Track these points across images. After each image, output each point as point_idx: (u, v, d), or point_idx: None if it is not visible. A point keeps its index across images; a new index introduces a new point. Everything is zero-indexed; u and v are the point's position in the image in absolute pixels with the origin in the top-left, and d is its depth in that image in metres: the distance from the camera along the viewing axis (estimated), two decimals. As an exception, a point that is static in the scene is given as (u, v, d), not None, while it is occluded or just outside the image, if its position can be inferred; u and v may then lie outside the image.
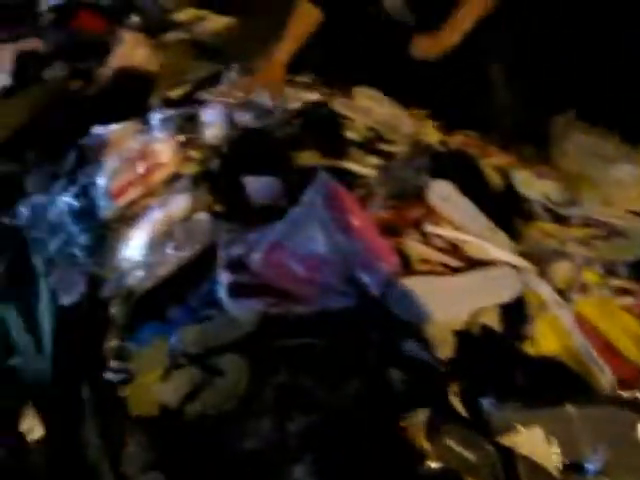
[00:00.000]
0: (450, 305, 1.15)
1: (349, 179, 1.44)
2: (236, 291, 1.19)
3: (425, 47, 1.67)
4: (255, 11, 3.19)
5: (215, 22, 2.96)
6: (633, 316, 1.16)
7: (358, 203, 1.26)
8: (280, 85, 1.82)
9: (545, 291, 1.13)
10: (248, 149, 1.57)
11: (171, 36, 2.66)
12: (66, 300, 1.48)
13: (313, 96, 1.73)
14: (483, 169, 1.49)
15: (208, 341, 1.18)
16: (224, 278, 1.21)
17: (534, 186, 1.41)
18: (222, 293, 1.19)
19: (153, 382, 1.16)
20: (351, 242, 1.15)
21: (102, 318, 1.38)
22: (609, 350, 1.10)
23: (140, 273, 1.39)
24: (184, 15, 3.07)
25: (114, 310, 1.39)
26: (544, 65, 1.75)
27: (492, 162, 1.56)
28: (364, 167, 1.47)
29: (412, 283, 1.15)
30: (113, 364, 1.29)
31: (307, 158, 1.51)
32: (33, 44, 2.56)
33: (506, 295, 1.15)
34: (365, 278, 1.14)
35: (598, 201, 1.44)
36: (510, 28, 1.79)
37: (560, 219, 1.37)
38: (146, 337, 1.24)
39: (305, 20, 1.85)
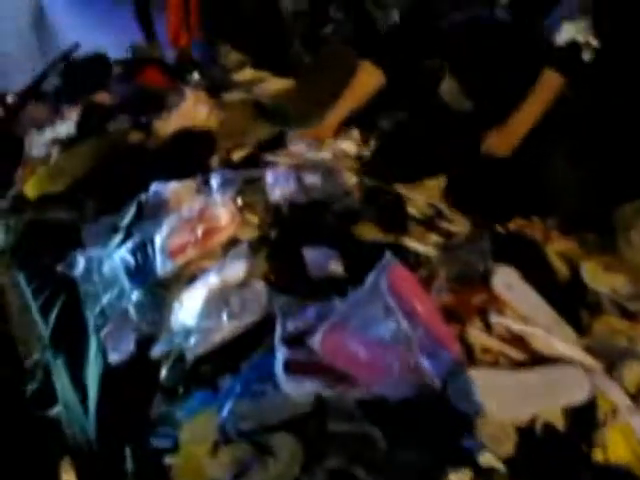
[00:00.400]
0: (514, 403, 1.11)
1: (410, 257, 1.42)
2: (293, 369, 1.16)
3: (496, 145, 1.66)
4: (314, 74, 3.26)
5: (274, 83, 3.03)
6: None
7: (422, 286, 1.23)
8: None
9: (617, 395, 1.08)
10: (309, 218, 1.56)
11: (231, 96, 2.72)
12: (114, 358, 1.47)
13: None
14: (548, 256, 1.45)
15: (261, 418, 1.15)
16: (281, 354, 1.19)
17: (602, 278, 1.37)
18: (278, 369, 1.17)
19: (201, 455, 1.12)
20: (415, 328, 1.13)
21: (151, 380, 1.37)
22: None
23: (193, 338, 1.37)
24: (243, 75, 3.16)
25: (164, 373, 1.37)
26: (610, 151, 1.72)
27: (555, 248, 1.53)
28: (425, 245, 1.45)
29: (475, 375, 1.11)
30: (159, 430, 1.26)
31: (367, 232, 1.50)
32: (100, 97, 2.65)
33: (574, 398, 1.10)
34: (427, 365, 1.11)
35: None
36: (575, 114, 1.77)
37: (629, 315, 1.32)
38: (195, 406, 1.22)
39: (366, 82, 1.84)
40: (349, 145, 1.81)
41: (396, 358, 1.11)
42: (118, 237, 1.76)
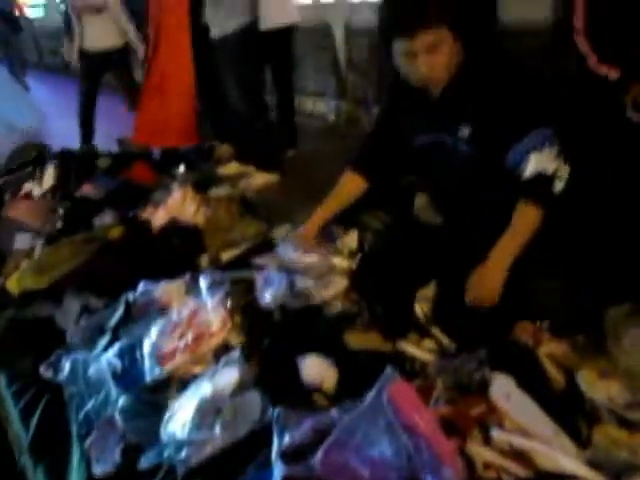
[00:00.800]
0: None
1: (407, 364, 1.41)
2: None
3: (479, 296, 1.58)
4: (299, 169, 3.35)
5: (259, 178, 3.08)
6: None
7: (421, 398, 1.21)
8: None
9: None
10: (302, 324, 1.55)
11: (217, 191, 2.75)
12: (99, 469, 1.41)
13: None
14: (543, 363, 1.45)
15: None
16: (278, 470, 1.15)
17: (598, 386, 1.37)
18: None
19: None
20: (417, 444, 1.10)
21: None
22: None
23: (185, 450, 1.33)
24: (228, 170, 3.21)
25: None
26: (598, 255, 1.75)
27: (546, 351, 1.53)
28: (422, 351, 1.45)
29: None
30: None
31: (364, 339, 1.49)
32: (86, 189, 2.66)
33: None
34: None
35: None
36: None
37: (627, 424, 1.31)
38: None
39: (348, 187, 1.87)
40: (340, 261, 1.83)
41: (397, 476, 1.08)
42: (105, 339, 1.72)
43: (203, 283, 1.77)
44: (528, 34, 2.67)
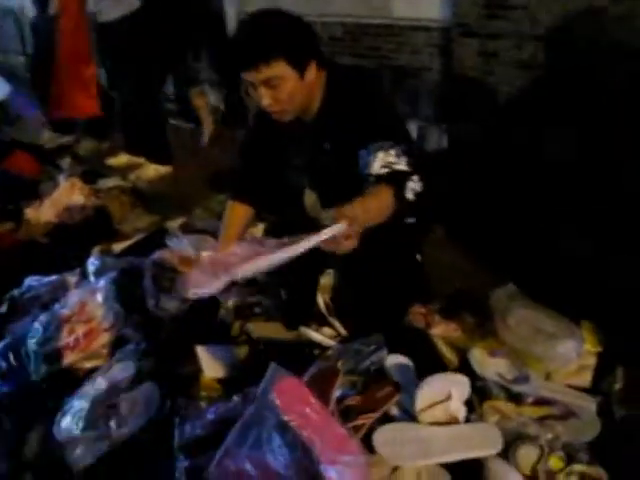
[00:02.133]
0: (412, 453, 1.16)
1: (306, 350, 1.42)
2: (195, 476, 1.11)
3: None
4: (189, 160, 3.27)
5: (149, 170, 2.99)
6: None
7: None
8: None
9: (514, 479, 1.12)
10: (201, 315, 1.52)
11: (107, 182, 2.65)
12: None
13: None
14: (437, 344, 1.51)
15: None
16: (182, 463, 1.13)
17: (488, 364, 1.44)
18: (180, 478, 1.10)
19: None
20: (310, 437, 1.11)
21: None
22: None
23: (79, 450, 1.27)
24: (117, 161, 3.10)
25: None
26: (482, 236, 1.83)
27: (438, 333, 1.59)
28: (324, 337, 1.46)
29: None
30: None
31: (264, 328, 1.49)
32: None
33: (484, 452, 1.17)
34: (332, 474, 1.09)
35: (541, 376, 1.48)
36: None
37: (514, 397, 1.38)
38: None
39: (237, 218, 1.81)
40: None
41: (295, 472, 1.09)
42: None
43: (90, 268, 1.69)
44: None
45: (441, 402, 1.23)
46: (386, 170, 1.43)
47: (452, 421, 1.24)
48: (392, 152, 1.43)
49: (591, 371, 1.46)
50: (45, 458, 1.33)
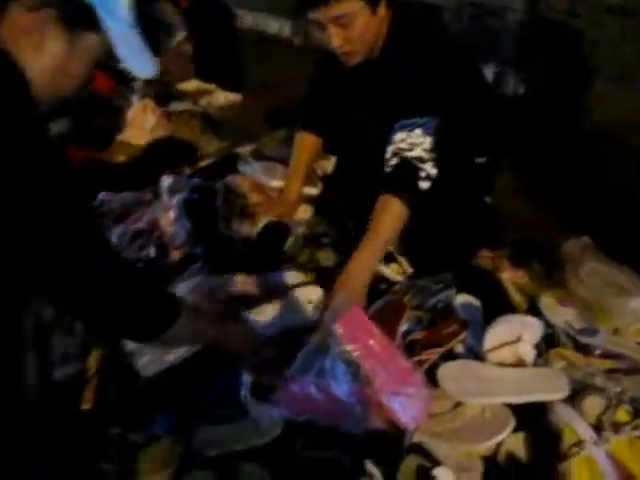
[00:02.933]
0: (475, 390, 1.16)
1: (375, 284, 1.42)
2: (260, 393, 1.13)
3: (344, 301, 1.33)
4: (261, 88, 3.26)
5: (220, 96, 2.98)
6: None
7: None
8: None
9: (581, 427, 1.11)
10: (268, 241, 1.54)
11: (178, 106, 2.66)
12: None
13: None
14: (506, 288, 1.49)
15: (227, 444, 1.10)
16: (247, 377, 1.15)
17: (557, 311, 1.41)
18: (246, 394, 1.13)
19: (161, 483, 1.07)
20: (373, 368, 1.13)
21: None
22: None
23: (145, 359, 1.30)
24: (189, 86, 3.09)
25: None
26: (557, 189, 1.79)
27: (507, 278, 1.57)
28: (392, 272, 1.46)
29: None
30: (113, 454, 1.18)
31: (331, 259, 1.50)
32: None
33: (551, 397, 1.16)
34: (395, 405, 1.10)
35: (609, 330, 1.45)
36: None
37: (581, 348, 1.36)
38: (155, 431, 1.15)
39: (306, 148, 1.79)
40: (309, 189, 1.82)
41: (358, 400, 1.11)
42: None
43: (163, 184, 1.71)
44: None
45: (510, 343, 1.22)
46: (395, 161, 1.40)
47: (519, 363, 1.23)
48: (417, 131, 1.39)
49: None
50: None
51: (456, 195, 1.61)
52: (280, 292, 1.41)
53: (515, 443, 1.14)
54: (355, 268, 1.37)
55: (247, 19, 4.03)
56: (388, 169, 1.43)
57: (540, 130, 2.52)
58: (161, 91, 2.77)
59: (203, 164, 2.00)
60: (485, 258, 1.66)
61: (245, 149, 2.21)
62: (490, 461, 1.12)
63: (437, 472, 1.04)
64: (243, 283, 1.41)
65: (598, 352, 1.36)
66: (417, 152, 1.39)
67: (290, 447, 1.10)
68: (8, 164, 0.81)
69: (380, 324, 1.24)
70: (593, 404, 1.18)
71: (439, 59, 1.46)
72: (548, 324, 1.39)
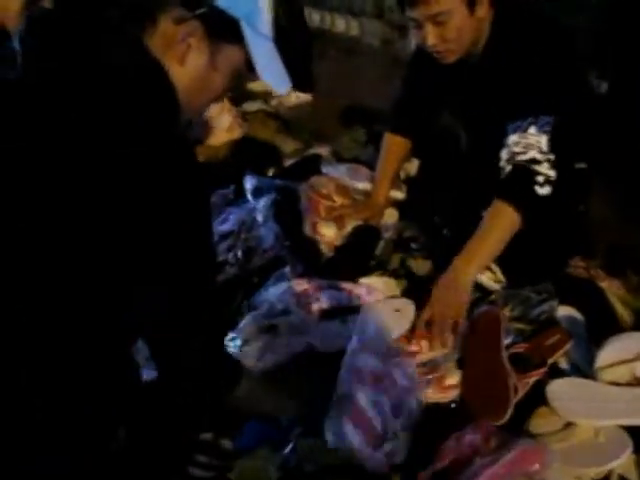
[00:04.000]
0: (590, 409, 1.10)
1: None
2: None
3: (443, 312, 1.29)
4: (332, 89, 3.22)
5: (291, 96, 2.96)
6: None
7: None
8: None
9: None
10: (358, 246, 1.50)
11: (251, 106, 2.65)
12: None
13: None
14: (610, 300, 1.41)
15: (323, 458, 1.07)
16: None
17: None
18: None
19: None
20: None
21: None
22: None
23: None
24: (259, 86, 3.08)
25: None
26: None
27: (607, 289, 1.49)
28: (489, 280, 1.40)
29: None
30: (202, 459, 1.16)
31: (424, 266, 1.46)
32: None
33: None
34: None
35: None
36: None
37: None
38: (251, 440, 1.13)
39: (394, 151, 1.75)
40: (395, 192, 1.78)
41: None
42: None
43: (248, 186, 1.69)
44: None
45: (627, 361, 1.15)
46: (510, 166, 1.34)
47: (635, 383, 1.16)
48: (531, 130, 1.33)
49: None
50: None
51: (556, 203, 1.54)
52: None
53: (629, 466, 1.07)
54: (456, 275, 1.32)
55: (314, 17, 3.99)
56: (503, 175, 1.37)
57: (621, 131, 2.39)
58: (234, 91, 2.77)
59: (285, 165, 1.98)
60: (579, 268, 1.59)
61: (323, 150, 2.18)
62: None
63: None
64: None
65: None
66: (532, 154, 1.32)
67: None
68: (153, 173, 0.79)
69: (480, 334, 1.19)
70: None
71: (548, 55, 1.39)
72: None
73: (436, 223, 1.61)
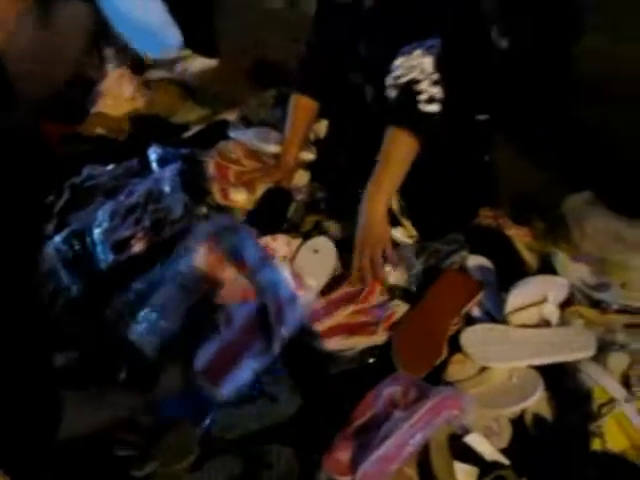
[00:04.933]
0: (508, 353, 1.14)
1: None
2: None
3: (370, 246, 1.34)
4: (236, 52, 3.13)
5: (196, 62, 2.87)
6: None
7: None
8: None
9: (610, 384, 1.09)
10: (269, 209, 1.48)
11: (155, 74, 2.55)
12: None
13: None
14: (516, 246, 1.45)
15: (245, 426, 1.06)
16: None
17: (571, 269, 1.38)
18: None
19: (181, 472, 1.02)
20: None
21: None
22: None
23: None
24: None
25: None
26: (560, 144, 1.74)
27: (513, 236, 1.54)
28: (402, 235, 1.41)
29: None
30: (123, 436, 1.12)
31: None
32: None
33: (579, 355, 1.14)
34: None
35: (619, 285, 1.43)
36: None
37: (595, 304, 1.34)
38: (167, 411, 1.10)
39: (301, 113, 1.72)
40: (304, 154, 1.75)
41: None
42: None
43: (152, 156, 1.64)
44: None
45: (535, 304, 1.19)
46: (394, 92, 1.35)
47: (543, 324, 1.20)
48: (416, 52, 1.34)
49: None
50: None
51: (458, 154, 1.56)
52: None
53: (541, 404, 1.12)
54: (372, 193, 1.36)
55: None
56: (389, 101, 1.38)
57: (527, 85, 2.45)
58: (135, 59, 2.66)
59: (190, 133, 1.91)
60: (487, 217, 1.62)
61: (231, 115, 2.12)
62: (517, 423, 1.10)
63: (470, 439, 1.01)
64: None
65: (615, 307, 1.34)
66: (412, 75, 1.33)
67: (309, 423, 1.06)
68: None
69: (446, 290, 1.23)
70: (617, 361, 1.16)
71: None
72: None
73: (343, 183, 1.59)
